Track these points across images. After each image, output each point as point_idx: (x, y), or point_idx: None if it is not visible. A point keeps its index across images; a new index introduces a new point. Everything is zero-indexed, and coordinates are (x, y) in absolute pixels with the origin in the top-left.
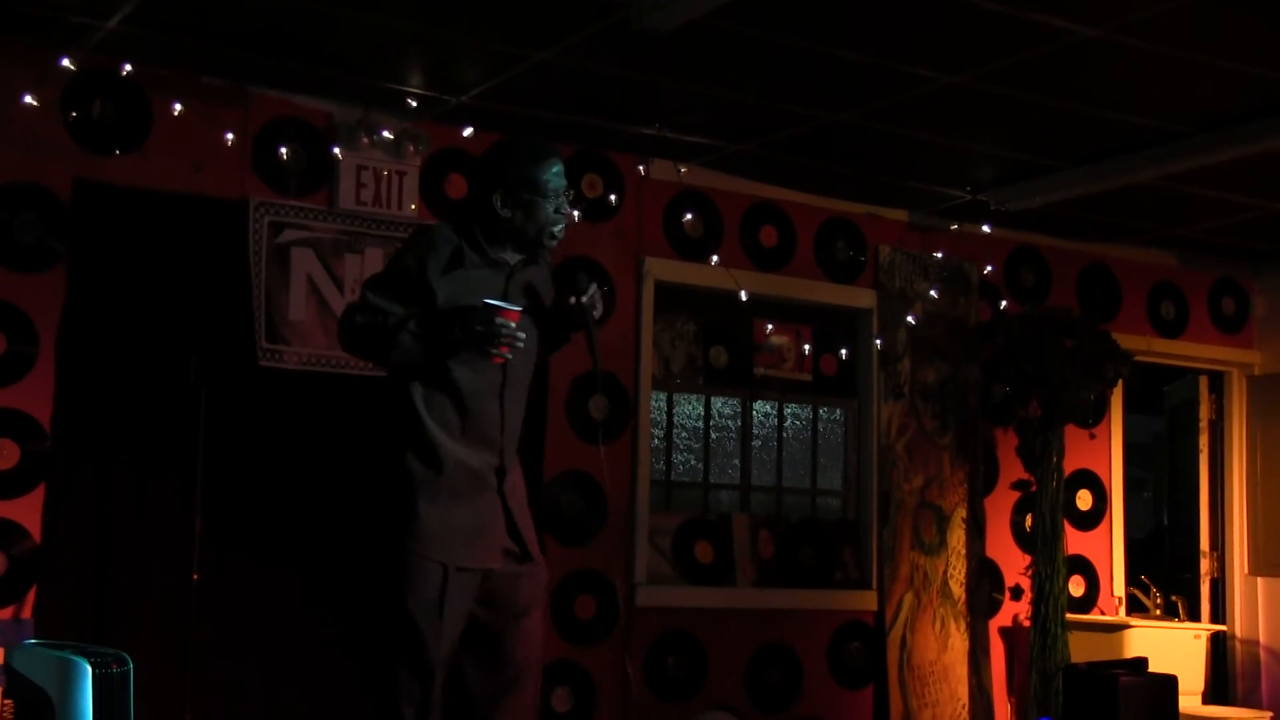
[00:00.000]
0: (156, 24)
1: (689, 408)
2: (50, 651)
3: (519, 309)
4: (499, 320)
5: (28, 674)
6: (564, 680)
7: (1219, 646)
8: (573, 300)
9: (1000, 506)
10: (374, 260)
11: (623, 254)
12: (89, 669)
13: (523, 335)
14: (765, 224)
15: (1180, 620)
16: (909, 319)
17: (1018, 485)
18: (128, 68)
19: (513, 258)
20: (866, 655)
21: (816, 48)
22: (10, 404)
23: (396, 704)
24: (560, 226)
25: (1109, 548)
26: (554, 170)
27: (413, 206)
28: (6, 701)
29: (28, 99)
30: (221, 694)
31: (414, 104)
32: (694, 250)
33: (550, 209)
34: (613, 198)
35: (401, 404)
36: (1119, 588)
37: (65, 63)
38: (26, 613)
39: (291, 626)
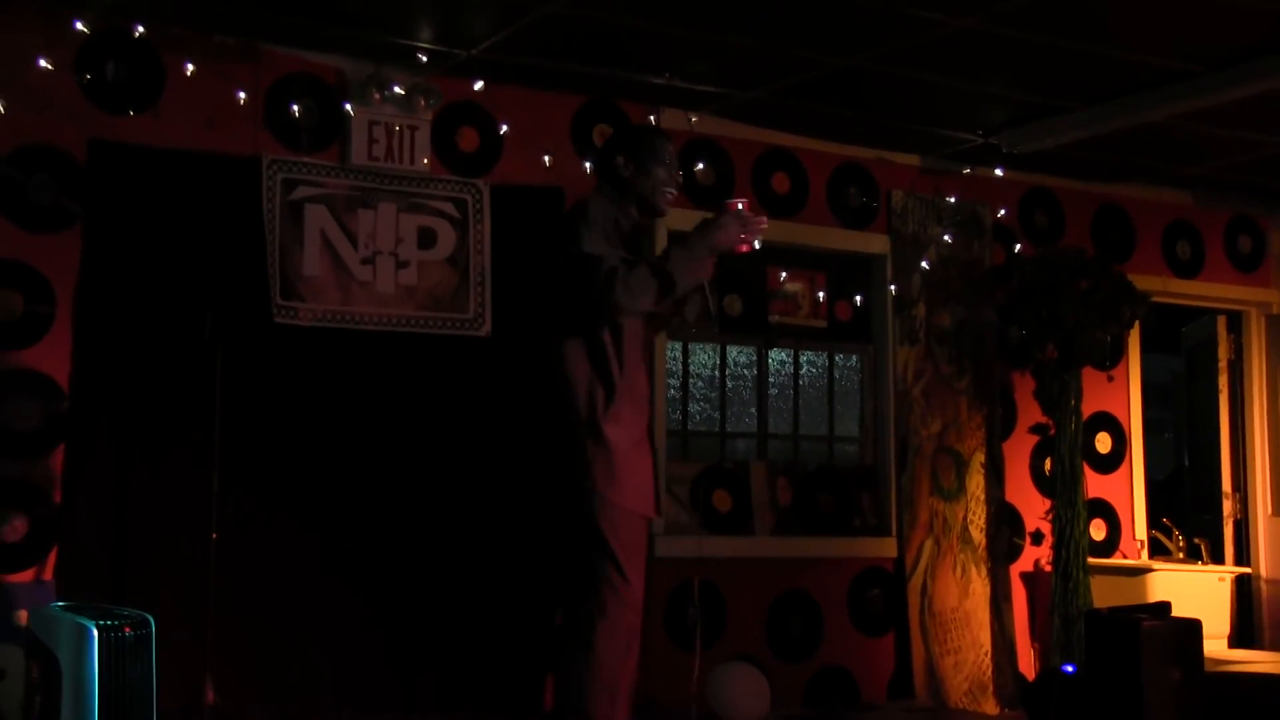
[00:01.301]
0: None
1: (704, 357)
2: (60, 614)
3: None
4: (735, 214)
5: (42, 637)
6: None
7: (1244, 589)
8: None
9: (1019, 450)
10: (386, 215)
11: None
12: (95, 633)
13: (763, 220)
14: (777, 171)
15: (1203, 563)
16: (923, 263)
17: (1036, 429)
18: (140, 28)
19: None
20: (887, 602)
21: None
22: (29, 365)
23: (596, 652)
24: (672, 190)
25: (1129, 490)
26: (668, 145)
27: (424, 161)
28: (34, 662)
29: (42, 62)
30: (242, 652)
31: (424, 58)
32: (706, 198)
33: (663, 172)
34: None
35: (594, 370)
36: (1140, 531)
37: (78, 25)
38: (48, 574)
39: (311, 583)
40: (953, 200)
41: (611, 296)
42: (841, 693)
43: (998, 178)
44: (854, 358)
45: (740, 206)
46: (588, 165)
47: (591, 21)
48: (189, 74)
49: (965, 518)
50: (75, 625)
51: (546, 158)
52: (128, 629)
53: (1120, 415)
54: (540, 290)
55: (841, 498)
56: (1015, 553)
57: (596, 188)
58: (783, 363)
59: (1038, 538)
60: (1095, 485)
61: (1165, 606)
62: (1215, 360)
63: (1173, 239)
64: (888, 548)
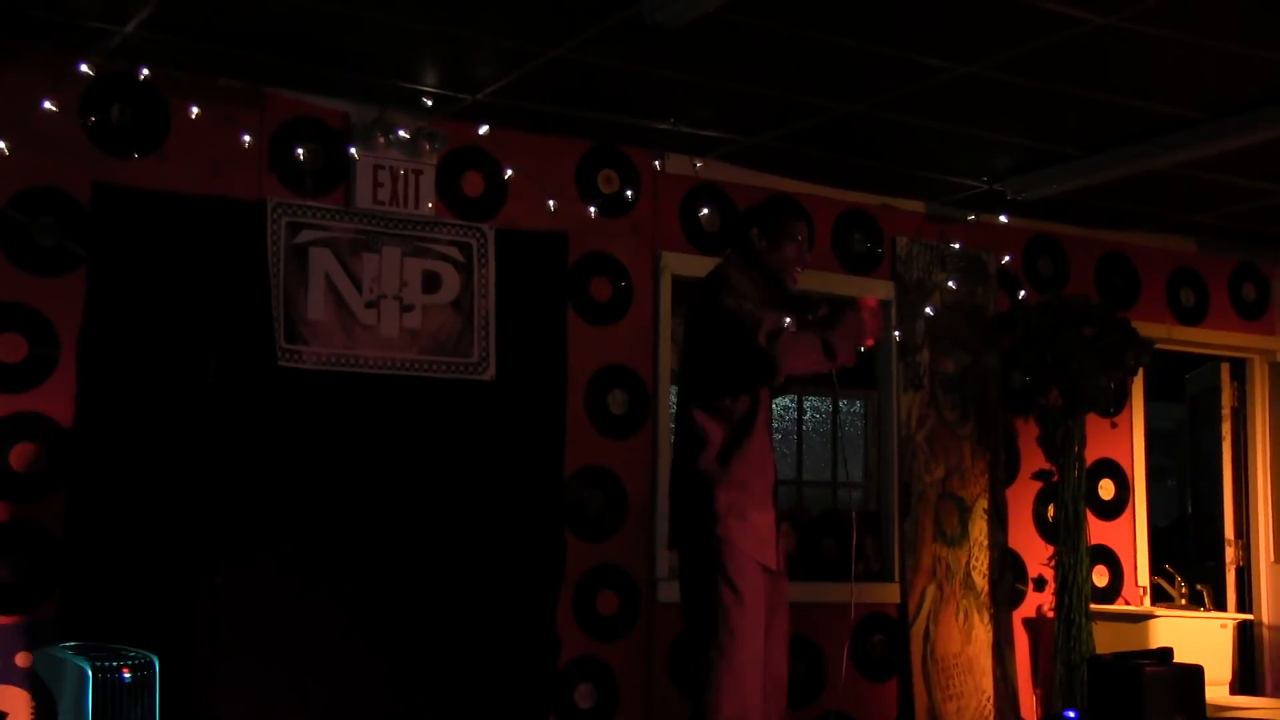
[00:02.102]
0: (173, 28)
1: None
2: (61, 655)
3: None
4: (874, 309)
5: (44, 678)
6: (586, 676)
7: (1246, 635)
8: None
9: (1022, 497)
10: (391, 258)
11: (639, 249)
12: (90, 674)
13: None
14: None
15: (1206, 609)
16: (927, 310)
17: (1039, 475)
18: (145, 71)
19: None
20: (890, 648)
21: (829, 39)
22: (32, 407)
23: (716, 692)
24: (800, 269)
25: (1132, 537)
26: (802, 225)
27: (429, 205)
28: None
29: (47, 104)
30: (245, 695)
31: (429, 103)
32: (711, 244)
33: (794, 251)
34: (629, 193)
35: (729, 420)
36: (1143, 577)
37: (84, 68)
38: (50, 615)
39: (315, 624)
40: (957, 247)
41: (774, 355)
42: None
43: (1002, 224)
44: (858, 403)
45: (874, 304)
46: (719, 238)
47: (596, 67)
48: (194, 117)
49: (968, 563)
50: (74, 666)
51: (551, 202)
52: (126, 670)
53: (1124, 462)
54: (690, 346)
55: (845, 543)
56: (1018, 598)
57: (727, 256)
58: (787, 408)
59: (1040, 584)
60: (1098, 532)
61: (1167, 653)
62: (1219, 407)
63: (1177, 286)
64: (891, 593)
